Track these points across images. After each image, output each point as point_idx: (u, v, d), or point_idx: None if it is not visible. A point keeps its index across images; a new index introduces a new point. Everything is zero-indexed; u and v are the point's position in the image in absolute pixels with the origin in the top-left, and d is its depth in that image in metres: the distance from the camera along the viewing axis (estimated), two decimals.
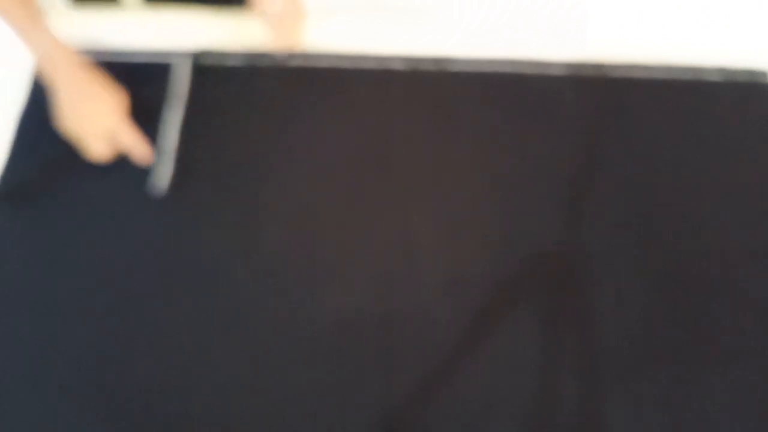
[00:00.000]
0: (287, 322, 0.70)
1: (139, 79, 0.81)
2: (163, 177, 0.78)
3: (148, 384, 0.67)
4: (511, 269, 0.73)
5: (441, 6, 0.91)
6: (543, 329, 0.70)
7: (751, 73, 0.87)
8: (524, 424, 0.66)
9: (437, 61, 0.86)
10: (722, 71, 0.87)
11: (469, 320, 0.70)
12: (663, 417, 0.67)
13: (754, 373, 0.69)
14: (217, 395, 0.67)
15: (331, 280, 0.72)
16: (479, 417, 0.66)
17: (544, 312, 0.71)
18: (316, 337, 0.69)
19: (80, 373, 0.67)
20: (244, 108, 0.83)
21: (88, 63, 0.76)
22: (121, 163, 0.78)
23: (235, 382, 0.67)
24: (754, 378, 0.69)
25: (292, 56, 0.86)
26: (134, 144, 0.77)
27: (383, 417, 0.66)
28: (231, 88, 0.84)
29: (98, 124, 0.75)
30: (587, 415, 0.66)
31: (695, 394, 0.68)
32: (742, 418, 0.67)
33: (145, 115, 0.80)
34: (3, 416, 0.65)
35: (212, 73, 0.84)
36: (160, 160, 0.78)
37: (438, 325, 0.70)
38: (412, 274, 0.73)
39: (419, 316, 0.71)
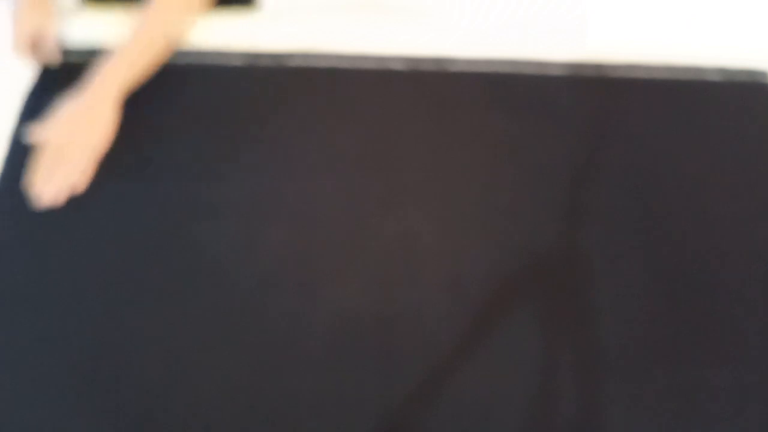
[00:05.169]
0: (286, 322, 0.70)
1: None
2: None
3: (146, 384, 0.67)
4: (511, 269, 0.73)
5: (441, 6, 0.91)
6: (543, 329, 0.70)
7: (751, 73, 0.87)
8: (524, 424, 0.66)
9: (437, 61, 0.86)
10: (722, 71, 0.87)
11: (469, 320, 0.70)
12: (663, 417, 0.67)
13: (754, 373, 0.69)
14: (217, 395, 0.66)
15: (331, 279, 0.72)
16: (479, 417, 0.66)
17: (544, 312, 0.71)
18: (315, 337, 0.69)
19: (80, 372, 0.67)
20: (243, 107, 0.83)
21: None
22: (121, 163, 0.78)
23: (234, 381, 0.67)
24: (754, 378, 0.69)
25: (292, 56, 0.86)
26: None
27: (383, 417, 0.66)
28: (230, 88, 0.84)
29: (86, 144, 0.77)
30: (587, 415, 0.66)
31: (695, 394, 0.68)
32: (742, 418, 0.67)
33: (145, 113, 0.80)
34: (3, 416, 0.65)
35: (211, 73, 0.85)
36: None
37: (438, 325, 0.70)
38: (412, 274, 0.73)
39: (419, 316, 0.71)
